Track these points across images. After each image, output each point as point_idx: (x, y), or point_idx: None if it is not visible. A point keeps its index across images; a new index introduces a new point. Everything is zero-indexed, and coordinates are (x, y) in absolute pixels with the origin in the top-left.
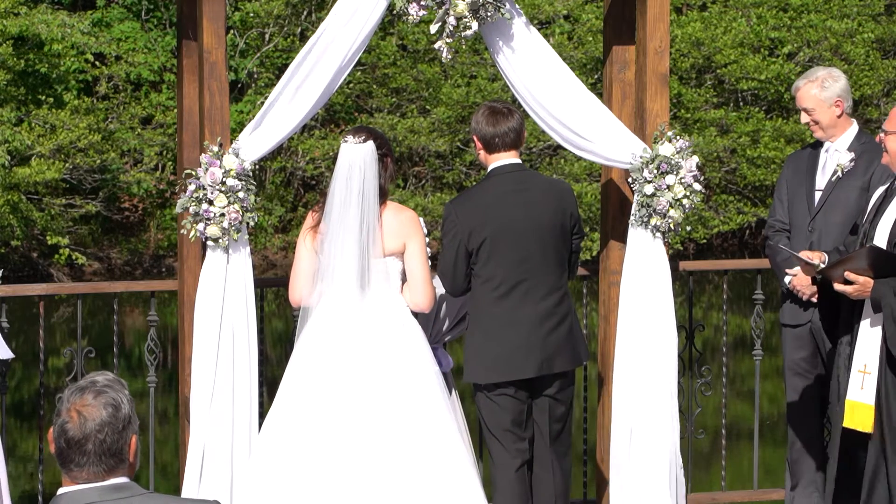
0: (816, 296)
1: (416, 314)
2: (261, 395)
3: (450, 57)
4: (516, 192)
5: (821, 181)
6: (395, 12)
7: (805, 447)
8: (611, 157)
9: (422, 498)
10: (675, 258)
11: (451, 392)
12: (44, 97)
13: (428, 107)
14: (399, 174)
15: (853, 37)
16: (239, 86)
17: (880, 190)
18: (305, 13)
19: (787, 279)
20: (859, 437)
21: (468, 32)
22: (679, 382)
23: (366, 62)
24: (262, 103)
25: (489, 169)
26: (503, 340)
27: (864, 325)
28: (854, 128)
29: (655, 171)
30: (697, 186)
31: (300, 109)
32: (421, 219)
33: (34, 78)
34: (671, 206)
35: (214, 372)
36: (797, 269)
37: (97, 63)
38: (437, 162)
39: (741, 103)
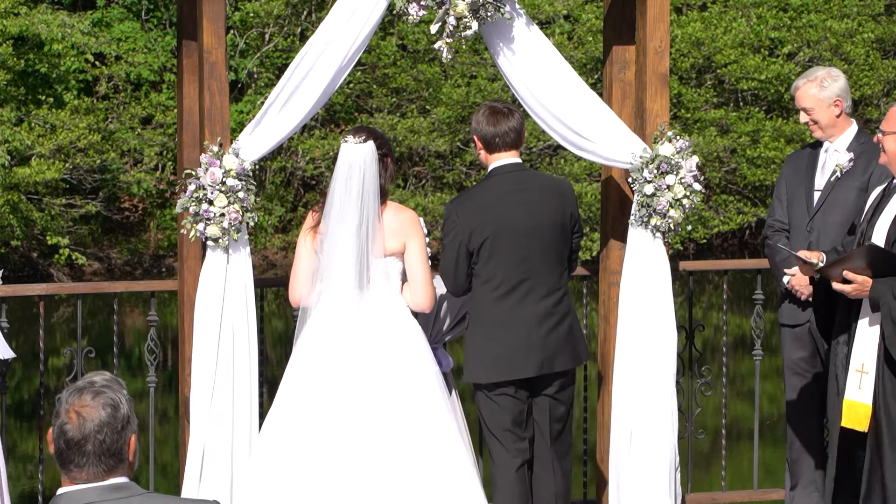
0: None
1: (416, 314)
2: (261, 395)
3: (450, 57)
4: (517, 192)
5: (820, 181)
6: (395, 12)
7: (804, 447)
8: (611, 157)
9: (422, 498)
10: (675, 258)
11: (451, 392)
12: (44, 97)
13: (428, 107)
14: (399, 174)
15: (853, 37)
16: (239, 86)
17: (878, 190)
18: (305, 13)
19: (785, 279)
20: (858, 436)
21: (468, 32)
22: (679, 382)
23: (366, 62)
24: (262, 103)
25: (489, 169)
26: (503, 340)
27: (862, 324)
28: (853, 128)
29: (655, 171)
30: (697, 186)
31: (300, 109)
32: (421, 219)
33: (34, 78)
34: (671, 206)
35: (214, 372)
36: (795, 269)
37: (97, 63)
38: (437, 162)
39: (741, 103)
